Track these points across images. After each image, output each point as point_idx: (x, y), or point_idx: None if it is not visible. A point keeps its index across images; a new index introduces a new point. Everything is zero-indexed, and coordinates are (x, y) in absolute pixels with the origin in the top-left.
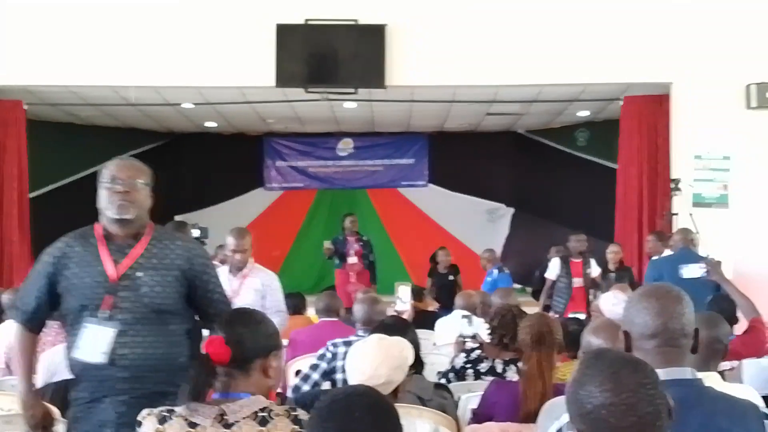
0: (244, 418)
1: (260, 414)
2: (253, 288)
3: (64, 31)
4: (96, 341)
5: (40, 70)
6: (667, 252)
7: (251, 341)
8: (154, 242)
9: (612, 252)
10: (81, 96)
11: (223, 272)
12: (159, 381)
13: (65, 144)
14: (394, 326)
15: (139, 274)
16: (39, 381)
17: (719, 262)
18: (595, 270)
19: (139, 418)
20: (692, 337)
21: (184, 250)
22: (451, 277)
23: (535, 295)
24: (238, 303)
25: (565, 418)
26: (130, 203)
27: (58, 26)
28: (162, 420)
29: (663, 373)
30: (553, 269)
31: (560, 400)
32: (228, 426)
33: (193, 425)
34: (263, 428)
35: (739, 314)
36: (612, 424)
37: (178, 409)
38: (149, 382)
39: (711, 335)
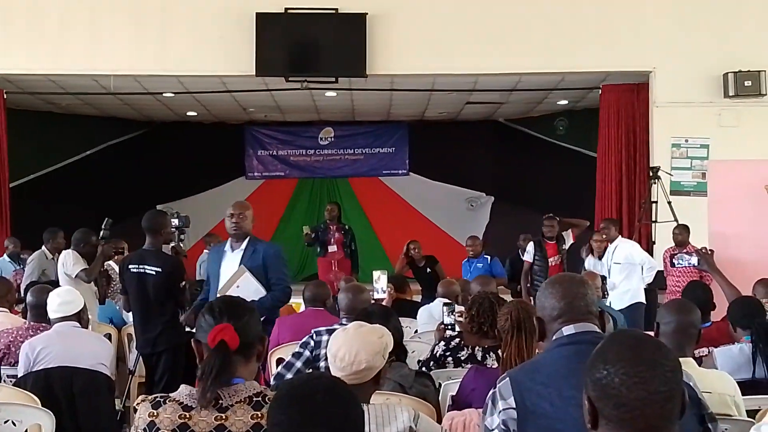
0: (238, 402)
1: (255, 399)
2: None
3: (43, 19)
4: None
5: (19, 58)
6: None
7: (254, 327)
8: None
9: (596, 241)
10: (60, 85)
11: None
12: None
13: (45, 133)
14: (377, 314)
15: None
16: (20, 370)
17: (711, 252)
18: (569, 241)
19: (134, 404)
20: (597, 317)
21: None
22: (428, 270)
23: (510, 283)
24: None
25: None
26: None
27: (38, 14)
28: (156, 405)
29: (572, 328)
30: (530, 252)
31: None
32: (222, 410)
33: (187, 408)
34: (257, 412)
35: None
36: (622, 394)
37: (172, 395)
38: None
39: (685, 320)
